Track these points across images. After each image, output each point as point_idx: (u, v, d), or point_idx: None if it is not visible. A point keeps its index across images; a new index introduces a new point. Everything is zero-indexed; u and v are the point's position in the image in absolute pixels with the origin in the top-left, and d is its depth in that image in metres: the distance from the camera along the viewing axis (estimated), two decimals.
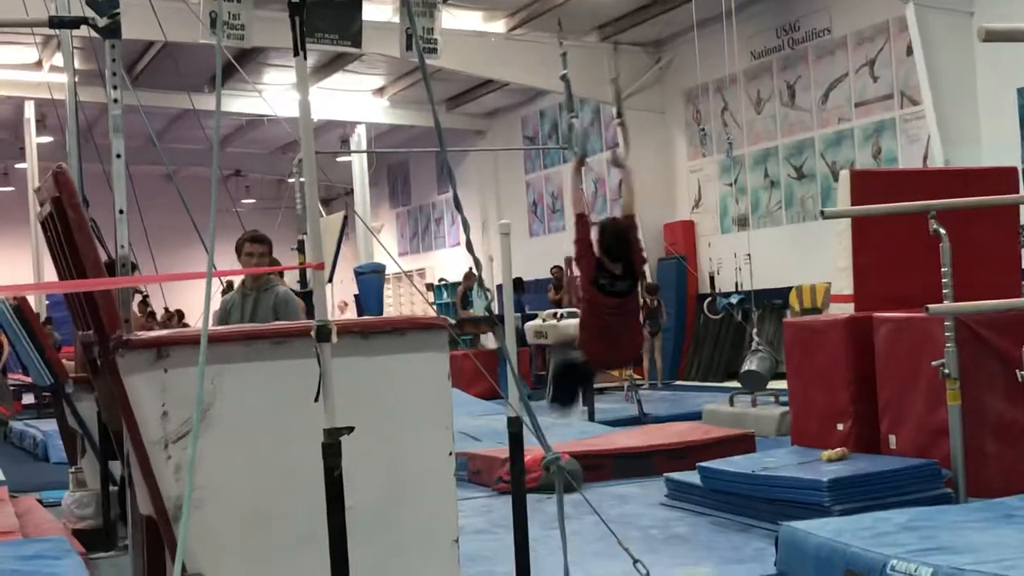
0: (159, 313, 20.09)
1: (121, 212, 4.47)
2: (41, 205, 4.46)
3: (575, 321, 16.52)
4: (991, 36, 4.98)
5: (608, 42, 20.17)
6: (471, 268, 20.32)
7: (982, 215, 8.64)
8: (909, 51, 15.20)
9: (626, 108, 20.54)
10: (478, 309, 21.11)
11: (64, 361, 9.30)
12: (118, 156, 4.50)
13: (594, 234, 7.33)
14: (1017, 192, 10.26)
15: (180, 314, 22.35)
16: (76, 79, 7.74)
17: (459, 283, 25.84)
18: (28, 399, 19.03)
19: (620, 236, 7.24)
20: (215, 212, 3.56)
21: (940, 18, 14.49)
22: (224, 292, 10.56)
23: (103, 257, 4.68)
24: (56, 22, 5.29)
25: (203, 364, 3.39)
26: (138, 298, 17.63)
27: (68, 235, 4.04)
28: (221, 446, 3.81)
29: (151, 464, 3.79)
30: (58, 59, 17.65)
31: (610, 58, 20.22)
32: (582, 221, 7.33)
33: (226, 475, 3.83)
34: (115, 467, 6.84)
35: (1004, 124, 14.33)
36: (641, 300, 18.41)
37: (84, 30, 5.15)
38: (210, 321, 3.57)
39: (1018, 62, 13.82)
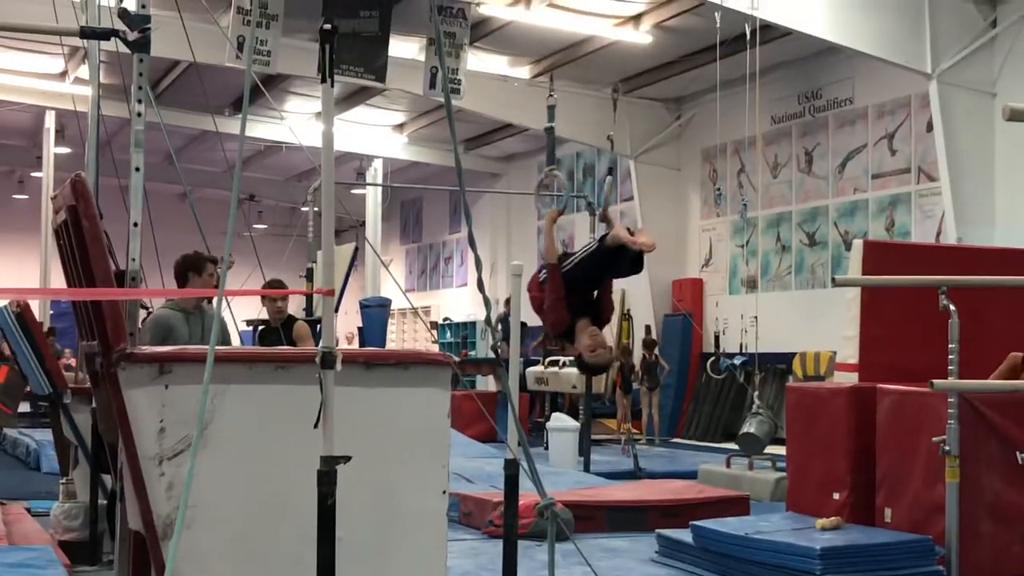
0: None
1: (136, 225, 4.47)
2: (56, 212, 4.46)
3: (576, 370, 16.53)
4: (1015, 116, 4.99)
5: (631, 96, 20.24)
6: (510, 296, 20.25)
7: (994, 295, 8.63)
8: (929, 127, 15.24)
9: (643, 163, 20.67)
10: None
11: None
12: (137, 170, 4.51)
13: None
14: None
15: None
16: (100, 92, 7.79)
17: (464, 323, 25.84)
18: (24, 407, 18.98)
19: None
20: (231, 233, 3.56)
21: (963, 97, 14.54)
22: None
23: (113, 269, 4.67)
24: (87, 32, 5.32)
25: (207, 382, 3.38)
26: (143, 315, 17.62)
27: (81, 244, 4.03)
28: (216, 466, 3.79)
29: (144, 480, 3.77)
30: (83, 71, 17.77)
31: (633, 117, 20.33)
32: (554, 274, 7.11)
33: (218, 496, 3.81)
34: (107, 480, 6.81)
35: (1019, 206, 14.33)
36: (641, 355, 18.48)
37: (112, 44, 5.18)
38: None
39: None
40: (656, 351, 18.29)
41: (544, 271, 7.26)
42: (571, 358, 17.90)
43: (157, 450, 3.77)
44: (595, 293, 7.15)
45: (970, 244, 13.28)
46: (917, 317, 7.87)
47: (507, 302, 21.16)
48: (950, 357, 6.83)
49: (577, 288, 7.01)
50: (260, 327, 10.45)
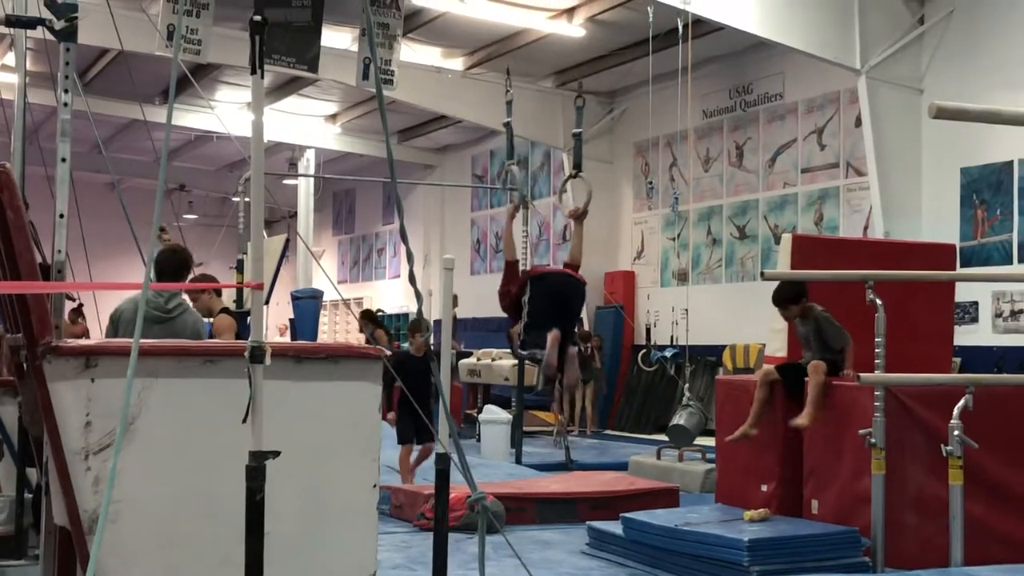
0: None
1: (61, 216, 4.41)
2: None
3: (509, 362, 16.56)
4: (941, 114, 5.06)
5: (564, 88, 20.31)
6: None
7: (919, 289, 8.77)
8: (858, 122, 15.44)
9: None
10: None
11: None
12: (63, 160, 4.45)
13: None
14: (954, 269, 10.40)
15: None
16: (27, 80, 7.66)
17: (396, 315, 25.78)
18: None
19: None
20: (157, 224, 3.53)
21: (890, 93, 14.74)
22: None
23: (38, 260, 4.60)
24: (12, 21, 5.24)
25: (131, 376, 3.34)
26: (71, 305, 17.44)
27: (5, 235, 3.97)
28: (143, 461, 3.74)
29: (69, 474, 3.72)
30: (9, 59, 17.48)
31: (566, 110, 20.39)
32: (511, 269, 7.18)
33: (145, 491, 3.77)
34: (32, 474, 6.72)
35: (945, 201, 14.56)
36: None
37: (39, 32, 5.11)
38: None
39: (963, 142, 14.08)
40: (591, 344, 18.36)
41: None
42: (502, 351, 17.97)
43: (83, 444, 3.72)
44: None
45: (897, 239, 13.47)
46: (844, 311, 7.96)
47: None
48: (876, 351, 6.92)
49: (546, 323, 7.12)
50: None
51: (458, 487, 5.07)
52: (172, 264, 7.43)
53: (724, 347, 17.13)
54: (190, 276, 7.63)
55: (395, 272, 29.03)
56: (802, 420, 7.56)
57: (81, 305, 17.97)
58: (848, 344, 7.79)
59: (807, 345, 7.99)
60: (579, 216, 8.75)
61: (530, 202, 13.25)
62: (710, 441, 9.95)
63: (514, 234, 9.29)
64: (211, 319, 9.28)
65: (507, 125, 12.70)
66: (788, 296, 7.94)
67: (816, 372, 7.59)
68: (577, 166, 11.65)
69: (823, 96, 16.80)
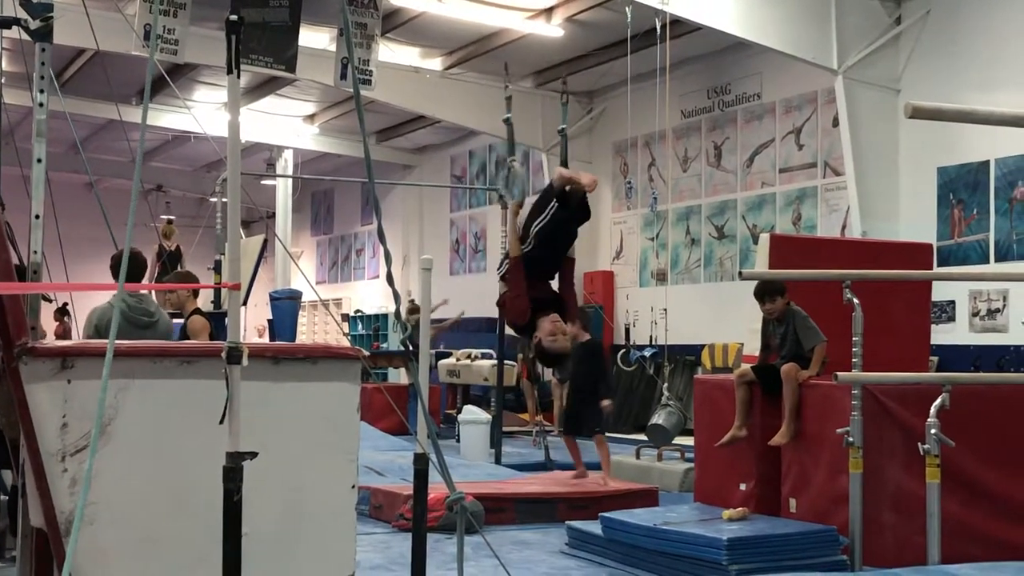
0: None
1: (37, 217, 4.38)
2: None
3: (489, 363, 16.54)
4: (917, 113, 5.08)
5: (544, 88, 20.32)
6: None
7: (896, 288, 8.81)
8: (835, 122, 15.48)
9: (555, 155, 20.70)
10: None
11: None
12: (39, 161, 4.42)
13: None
14: (931, 268, 10.45)
15: None
16: (2, 80, 7.62)
17: (375, 315, 25.73)
18: None
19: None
20: (132, 224, 3.51)
21: (867, 93, 14.79)
22: None
23: (14, 261, 4.58)
24: None
25: (107, 377, 3.32)
26: (54, 306, 17.40)
27: None
28: (119, 462, 3.73)
29: (46, 476, 3.71)
30: None
31: (546, 110, 20.40)
32: (517, 266, 7.22)
33: (122, 492, 3.75)
34: (8, 477, 6.69)
35: (922, 201, 14.62)
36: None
37: (14, 31, 5.07)
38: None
39: (940, 141, 14.13)
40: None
41: (505, 263, 7.34)
42: (481, 351, 17.97)
43: (59, 446, 3.71)
44: (556, 287, 7.24)
45: (874, 238, 13.51)
46: (822, 310, 8.00)
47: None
48: (854, 350, 6.95)
49: (544, 260, 7.09)
50: None
51: (437, 487, 5.06)
52: (129, 267, 7.41)
53: (703, 347, 17.14)
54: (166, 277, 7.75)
55: (374, 272, 28.98)
56: (780, 439, 7.61)
57: (65, 304, 17.93)
58: (819, 345, 7.81)
59: (781, 344, 8.00)
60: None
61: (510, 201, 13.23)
62: (689, 441, 9.97)
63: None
64: (182, 319, 9.29)
65: (507, 121, 12.68)
66: (775, 287, 7.93)
67: (790, 381, 7.61)
68: (564, 163, 11.66)
69: (800, 96, 16.84)
